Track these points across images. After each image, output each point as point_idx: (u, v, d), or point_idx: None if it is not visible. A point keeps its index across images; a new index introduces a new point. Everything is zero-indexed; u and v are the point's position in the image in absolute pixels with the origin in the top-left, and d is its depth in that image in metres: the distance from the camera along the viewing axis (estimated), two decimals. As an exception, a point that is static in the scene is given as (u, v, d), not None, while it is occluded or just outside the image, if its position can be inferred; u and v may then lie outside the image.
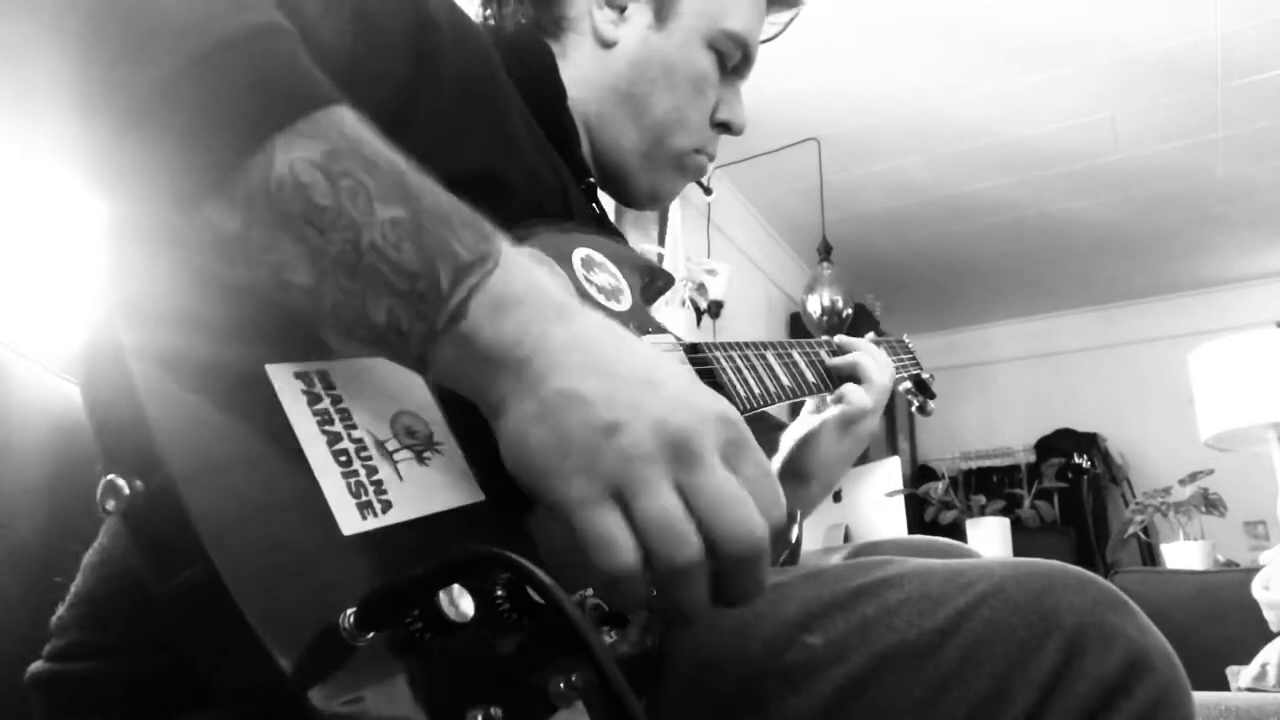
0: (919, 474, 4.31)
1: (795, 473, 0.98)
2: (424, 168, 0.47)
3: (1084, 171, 3.43)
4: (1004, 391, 5.02)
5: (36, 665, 0.54)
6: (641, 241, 2.96)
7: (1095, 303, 4.80)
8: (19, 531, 0.69)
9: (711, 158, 0.87)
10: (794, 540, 0.96)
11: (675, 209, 2.92)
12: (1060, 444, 4.49)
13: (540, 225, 0.73)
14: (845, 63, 2.80)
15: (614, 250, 0.81)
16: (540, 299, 0.44)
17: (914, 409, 1.30)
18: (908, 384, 1.26)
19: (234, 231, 0.40)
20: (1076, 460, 4.25)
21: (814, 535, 2.94)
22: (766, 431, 1.02)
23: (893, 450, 4.02)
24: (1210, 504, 2.70)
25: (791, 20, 0.91)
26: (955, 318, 4.99)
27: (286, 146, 0.40)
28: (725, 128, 0.86)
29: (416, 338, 0.42)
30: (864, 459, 3.48)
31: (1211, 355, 2.59)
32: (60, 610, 0.55)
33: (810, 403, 1.02)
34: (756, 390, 0.85)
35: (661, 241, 2.94)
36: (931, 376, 1.31)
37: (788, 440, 1.01)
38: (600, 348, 0.44)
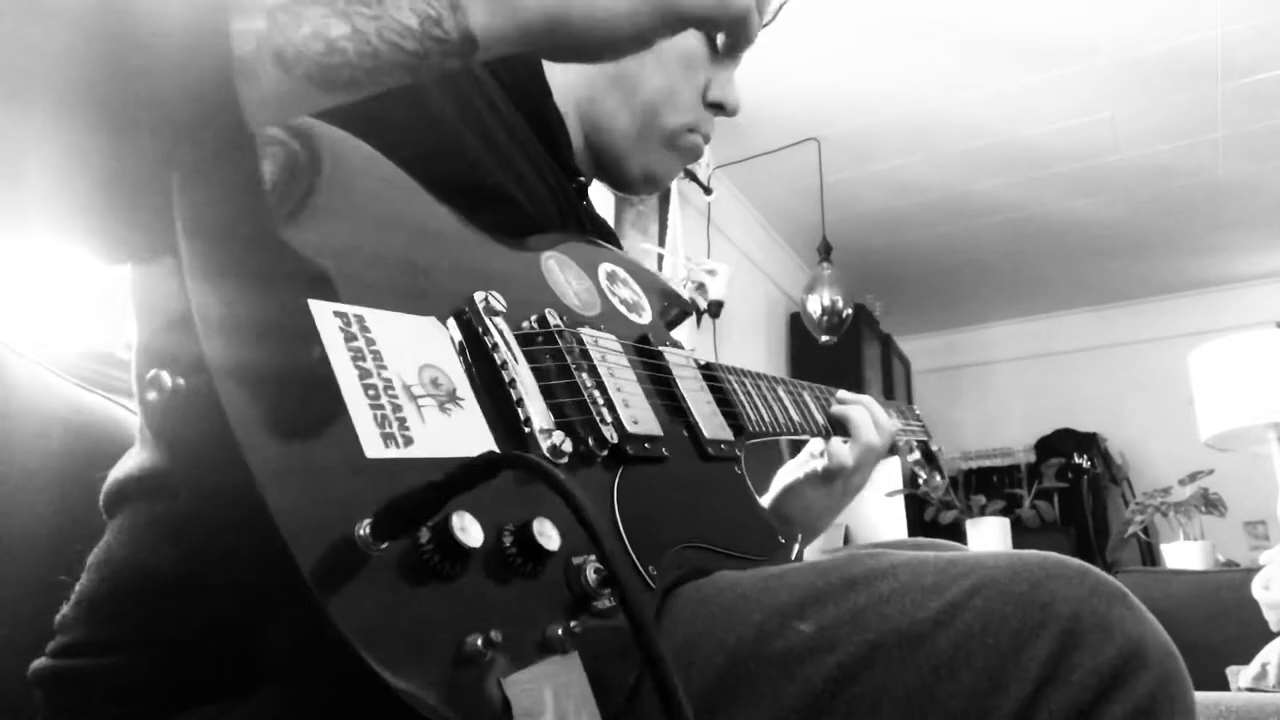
0: (919, 474, 4.31)
1: (780, 518, 0.98)
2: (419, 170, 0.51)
3: (1084, 171, 3.43)
4: (1004, 391, 5.02)
5: (39, 662, 0.55)
6: (641, 242, 2.96)
7: (1095, 303, 4.81)
8: (21, 530, 0.69)
9: (707, 138, 0.87)
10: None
11: (675, 209, 2.92)
12: (1060, 444, 4.49)
13: (568, 237, 0.76)
14: (845, 63, 2.80)
15: (636, 270, 0.84)
16: None
17: (921, 483, 1.27)
18: (916, 454, 1.24)
19: (262, 28, 0.43)
20: (1076, 460, 4.26)
21: (814, 535, 2.93)
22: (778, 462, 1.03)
23: (892, 451, 4.02)
24: (1210, 504, 2.71)
25: (783, 5, 0.91)
26: (955, 318, 4.99)
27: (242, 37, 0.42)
28: (719, 108, 0.86)
29: (448, 17, 0.46)
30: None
31: (1211, 355, 2.59)
32: (64, 609, 0.56)
33: (814, 445, 1.02)
34: (766, 417, 0.87)
35: (662, 242, 2.94)
36: (940, 449, 1.28)
37: (777, 484, 1.01)
38: None
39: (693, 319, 2.90)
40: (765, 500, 1.00)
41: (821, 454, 0.97)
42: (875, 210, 3.72)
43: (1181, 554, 2.70)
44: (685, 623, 0.56)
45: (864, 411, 1.00)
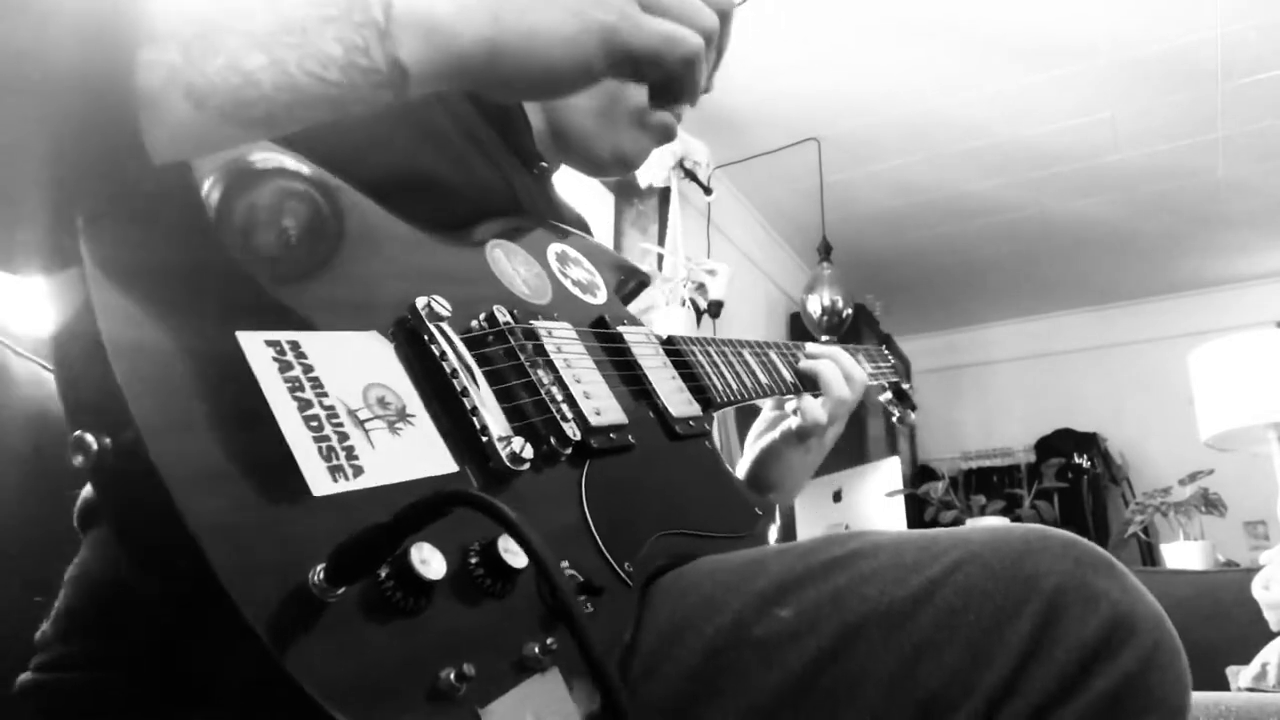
0: (919, 474, 4.31)
1: (759, 484, 0.96)
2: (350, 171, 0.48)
3: (1084, 171, 3.43)
4: (1004, 391, 5.02)
5: (24, 677, 0.54)
6: (641, 241, 2.96)
7: (1095, 303, 4.80)
8: (13, 541, 0.69)
9: (679, 115, 0.83)
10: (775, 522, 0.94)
11: (675, 209, 2.92)
12: (1060, 444, 4.48)
13: (513, 221, 0.72)
14: (845, 63, 2.80)
15: (588, 247, 0.81)
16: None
17: (894, 420, 1.25)
18: (888, 394, 1.23)
19: (182, 44, 0.40)
20: (1076, 460, 4.25)
21: (814, 535, 2.93)
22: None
23: (893, 450, 4.02)
24: (1210, 504, 2.70)
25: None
26: (955, 318, 4.99)
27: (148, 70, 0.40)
28: None
29: (375, 46, 0.43)
30: (863, 459, 3.49)
31: (1211, 355, 2.59)
32: (44, 625, 0.55)
33: (769, 404, 0.99)
34: (734, 385, 0.84)
35: (661, 241, 2.93)
36: (911, 386, 1.26)
37: (751, 450, 0.98)
38: None
39: (693, 318, 2.90)
40: (743, 466, 0.98)
41: (794, 412, 0.94)
42: (875, 210, 3.72)
43: (1181, 554, 2.69)
44: (665, 614, 0.55)
45: (833, 365, 0.97)
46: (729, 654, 0.52)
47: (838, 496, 2.97)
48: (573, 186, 2.92)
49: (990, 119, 3.10)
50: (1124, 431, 4.60)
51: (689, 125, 2.90)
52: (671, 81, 0.54)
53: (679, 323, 2.79)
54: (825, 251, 3.30)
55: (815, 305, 3.26)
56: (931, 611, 0.50)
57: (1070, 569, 0.49)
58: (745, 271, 3.65)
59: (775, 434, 0.96)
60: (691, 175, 2.96)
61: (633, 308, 0.84)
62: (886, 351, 1.24)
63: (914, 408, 1.25)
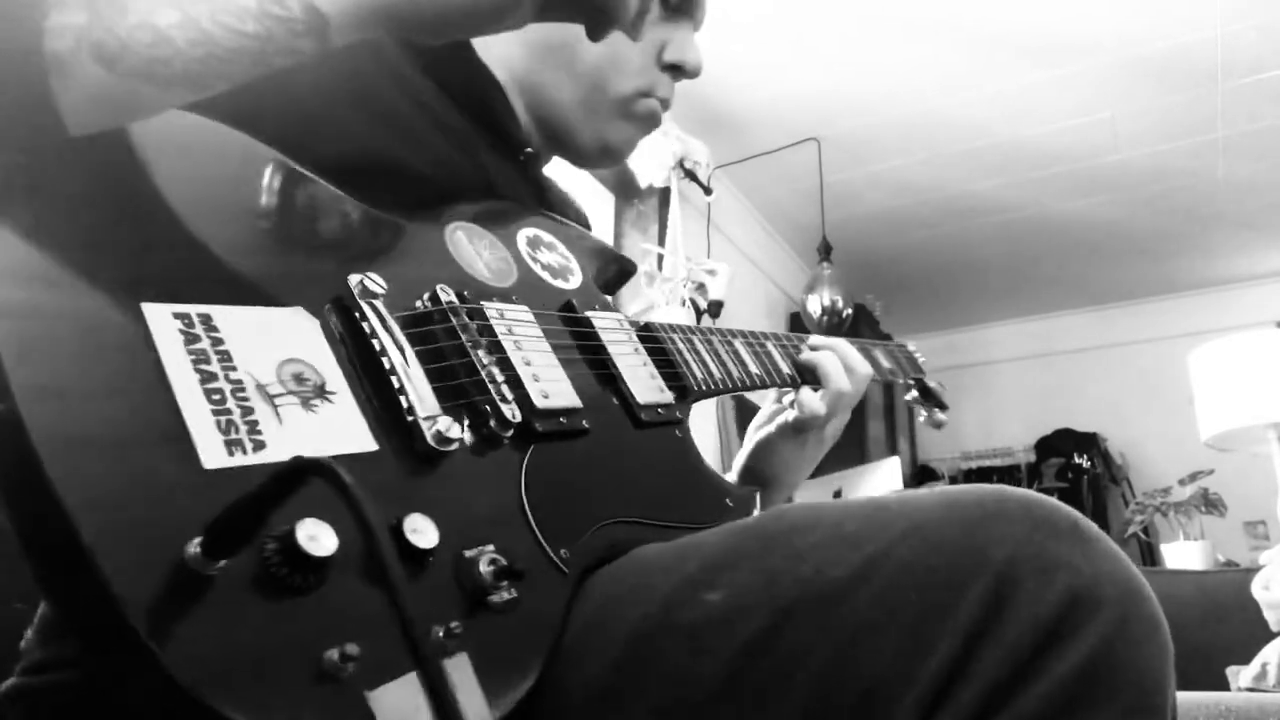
0: (919, 474, 4.31)
1: (755, 478, 0.94)
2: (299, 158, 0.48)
3: (1084, 171, 3.43)
4: (1004, 391, 5.02)
5: (9, 682, 0.55)
6: (641, 241, 2.96)
7: (1095, 303, 4.80)
8: (13, 542, 0.69)
9: (666, 103, 0.81)
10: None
11: (675, 209, 2.92)
12: (1060, 444, 4.49)
13: (483, 205, 0.71)
14: (845, 63, 2.80)
15: (566, 233, 0.79)
16: None
17: (922, 421, 1.21)
18: (913, 392, 1.20)
19: (83, 23, 0.39)
20: (1076, 460, 4.25)
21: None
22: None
23: (893, 450, 4.02)
24: (1210, 504, 2.71)
25: None
26: (955, 318, 4.99)
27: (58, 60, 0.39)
28: (677, 70, 0.80)
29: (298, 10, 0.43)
30: (864, 459, 3.49)
31: (1211, 355, 2.59)
32: (28, 634, 0.56)
33: (770, 396, 0.96)
34: (717, 374, 0.82)
35: (661, 241, 2.93)
36: (941, 385, 1.20)
37: (748, 442, 0.96)
38: None
39: (693, 318, 2.90)
40: (739, 459, 0.96)
41: (791, 404, 0.91)
42: (875, 210, 3.72)
43: (1181, 554, 2.69)
44: (594, 601, 0.52)
45: (833, 356, 0.92)
46: (654, 642, 0.48)
47: (837, 496, 2.97)
48: (573, 186, 2.92)
49: (990, 119, 3.10)
50: (1124, 431, 4.60)
51: (689, 125, 2.90)
52: (603, 8, 0.53)
53: (690, 324, 2.77)
54: (825, 251, 3.30)
55: (815, 305, 3.26)
56: (871, 590, 0.45)
57: (1025, 536, 0.44)
58: (745, 271, 3.65)
59: (772, 427, 0.94)
60: (691, 175, 2.96)
61: (632, 309, 0.83)
62: (911, 349, 1.18)
63: (944, 406, 1.19)
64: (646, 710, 0.47)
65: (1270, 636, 1.71)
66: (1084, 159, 3.34)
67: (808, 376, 0.93)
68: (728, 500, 0.72)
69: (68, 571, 0.36)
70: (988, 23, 2.63)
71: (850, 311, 3.30)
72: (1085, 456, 4.30)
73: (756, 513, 0.72)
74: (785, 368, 0.92)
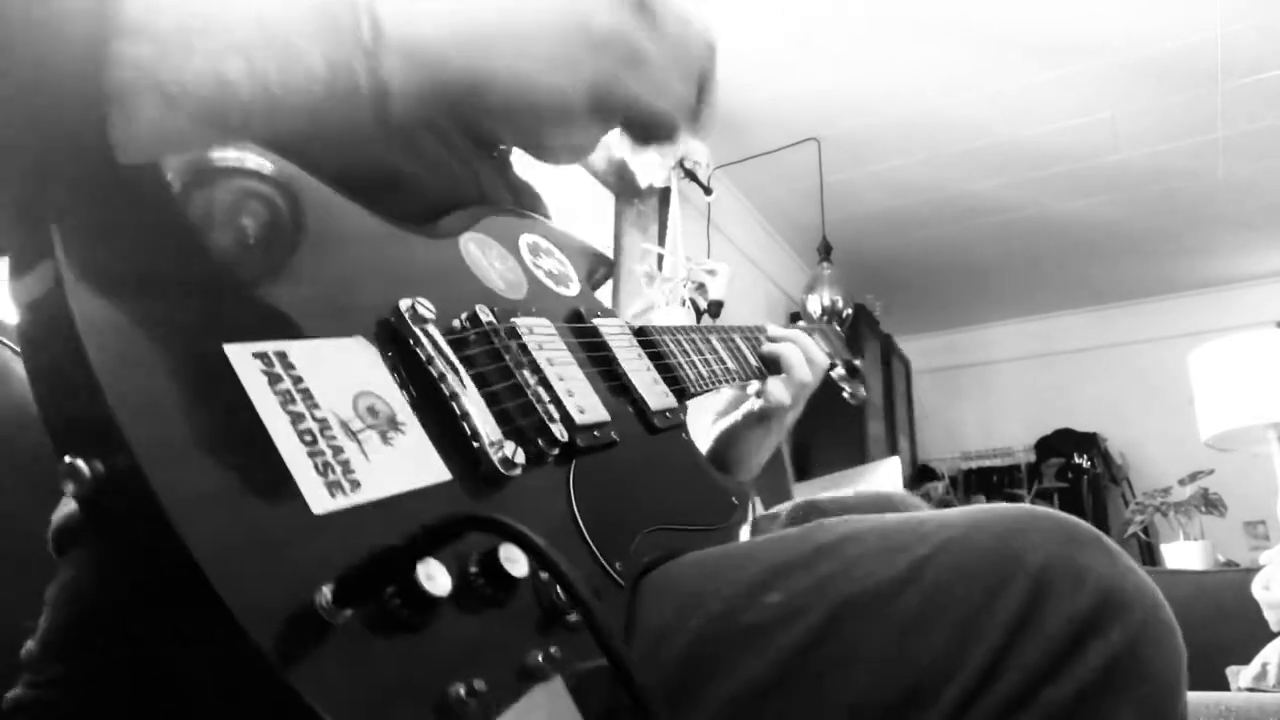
0: (919, 474, 4.31)
1: (720, 464, 0.97)
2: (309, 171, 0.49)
3: (1084, 171, 3.43)
4: (1004, 391, 5.02)
5: (14, 693, 0.54)
6: (641, 241, 2.96)
7: (1095, 303, 4.80)
8: (14, 545, 0.69)
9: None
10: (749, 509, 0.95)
11: (675, 209, 2.92)
12: (1060, 444, 4.49)
13: (481, 212, 0.71)
14: (845, 63, 2.80)
15: (557, 236, 0.79)
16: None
17: (845, 395, 1.26)
18: (840, 370, 1.24)
19: (154, 52, 0.39)
20: (1076, 460, 4.26)
21: (814, 535, 2.93)
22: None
23: (893, 450, 4.02)
24: (1210, 504, 2.71)
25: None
26: (955, 318, 4.99)
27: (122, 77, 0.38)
28: None
29: (361, 66, 0.42)
30: (864, 459, 3.49)
31: (1211, 355, 2.59)
32: (30, 644, 0.55)
33: (728, 390, 0.99)
34: (705, 374, 0.84)
35: (661, 241, 2.93)
36: (861, 362, 1.29)
37: (712, 430, 0.99)
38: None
39: (693, 318, 2.90)
40: (703, 447, 0.98)
41: (757, 394, 0.96)
42: (875, 210, 3.72)
43: (1181, 554, 2.69)
44: (656, 608, 0.56)
45: (796, 349, 0.98)
46: (720, 641, 0.52)
47: (838, 496, 2.96)
48: (572, 186, 2.92)
49: (990, 119, 3.10)
50: (1124, 431, 4.60)
51: (689, 125, 2.90)
52: (654, 131, 0.53)
53: (679, 323, 2.78)
54: (825, 251, 3.30)
55: (815, 305, 3.26)
56: (919, 590, 0.50)
57: (1057, 546, 0.49)
58: (745, 271, 3.65)
59: (737, 415, 0.97)
60: (691, 175, 2.96)
61: (632, 309, 0.83)
62: (839, 330, 1.26)
63: (866, 385, 1.26)
64: (717, 700, 0.51)
65: (1270, 636, 1.71)
66: (1084, 159, 3.34)
67: (771, 368, 0.97)
68: (733, 498, 0.74)
69: (201, 625, 0.37)
70: (988, 23, 2.63)
71: (850, 311, 3.30)
72: (1085, 456, 4.30)
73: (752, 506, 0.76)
74: (753, 360, 0.96)
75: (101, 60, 0.37)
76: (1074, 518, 0.53)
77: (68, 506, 0.56)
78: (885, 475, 2.96)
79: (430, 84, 0.45)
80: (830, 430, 3.46)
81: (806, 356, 0.98)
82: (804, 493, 3.02)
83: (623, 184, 3.03)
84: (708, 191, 3.10)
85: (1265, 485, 2.49)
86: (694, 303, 2.88)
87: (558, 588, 0.48)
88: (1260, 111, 3.05)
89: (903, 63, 2.80)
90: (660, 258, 2.83)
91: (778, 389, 0.94)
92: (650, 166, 2.68)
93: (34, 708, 0.53)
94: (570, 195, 2.90)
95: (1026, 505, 0.53)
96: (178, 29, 0.38)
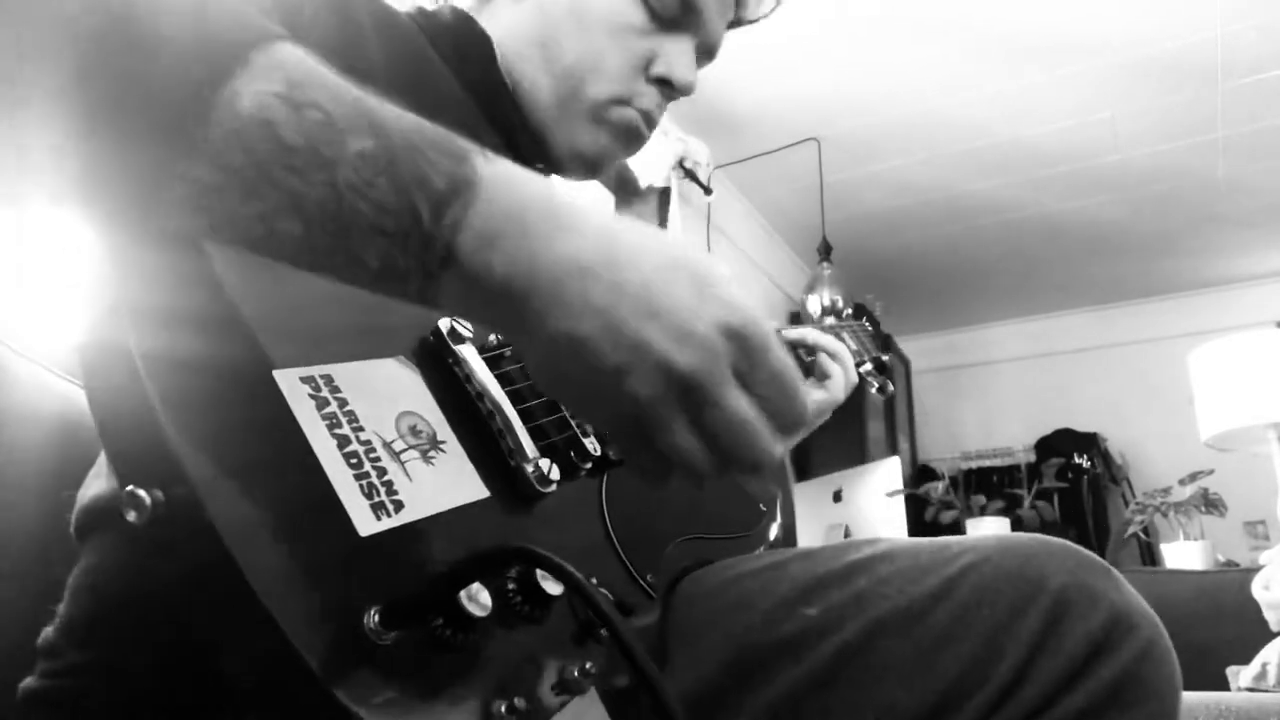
0: (919, 474, 4.31)
1: None
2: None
3: (1084, 171, 3.43)
4: (1004, 391, 5.01)
5: (29, 682, 0.54)
6: (641, 241, 2.96)
7: (1095, 303, 4.80)
8: (16, 539, 0.69)
9: (648, 116, 0.78)
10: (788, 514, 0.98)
11: (675, 209, 2.92)
12: (1060, 444, 4.48)
13: None
14: (845, 63, 2.80)
15: None
16: (528, 220, 0.40)
17: (874, 390, 1.28)
18: (867, 365, 1.24)
19: (214, 184, 0.37)
20: (1076, 460, 4.25)
21: (814, 535, 2.94)
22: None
23: (893, 450, 4.02)
24: (1210, 504, 2.70)
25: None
26: (955, 318, 4.99)
27: (248, 80, 0.37)
28: (665, 84, 0.77)
29: (415, 280, 0.40)
30: (864, 459, 3.49)
31: (1211, 355, 2.59)
32: (49, 632, 0.55)
33: None
34: None
35: (661, 241, 2.93)
36: (890, 359, 1.33)
37: None
38: (596, 276, 0.40)
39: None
40: None
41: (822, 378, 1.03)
42: (875, 210, 3.72)
43: (1181, 554, 2.69)
44: (691, 618, 0.58)
45: (839, 368, 1.04)
46: (760, 650, 0.56)
47: (838, 496, 2.97)
48: (572, 186, 2.92)
49: (990, 119, 3.10)
50: (1124, 431, 4.60)
51: (689, 125, 2.90)
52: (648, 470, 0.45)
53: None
54: (825, 251, 3.30)
55: (815, 305, 3.26)
56: (949, 607, 0.54)
57: (1072, 571, 0.54)
58: (745, 271, 3.65)
59: None
60: (691, 175, 2.96)
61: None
62: (869, 327, 1.29)
63: (893, 379, 1.33)
64: (756, 707, 0.54)
65: (1270, 636, 1.71)
66: (1084, 159, 3.34)
67: (809, 374, 1.03)
68: (761, 505, 0.76)
69: (257, 646, 0.38)
70: (988, 23, 2.63)
71: (850, 311, 3.30)
72: (1085, 456, 4.30)
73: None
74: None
75: (228, 79, 0.36)
76: (1083, 548, 0.58)
77: (91, 490, 0.56)
78: (885, 475, 2.96)
79: (487, 313, 0.42)
80: (830, 430, 3.45)
81: (845, 369, 1.04)
82: (805, 492, 3.03)
83: (622, 184, 3.03)
84: (708, 191, 3.10)
85: (1265, 485, 2.49)
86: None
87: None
88: (1260, 111, 3.04)
89: (903, 63, 2.80)
90: (660, 258, 2.83)
91: (827, 401, 1.01)
92: (650, 166, 2.68)
93: (51, 697, 0.53)
94: (569, 195, 2.89)
95: (1041, 535, 0.58)
96: (246, 165, 0.37)
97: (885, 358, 1.28)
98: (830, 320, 1.14)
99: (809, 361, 1.02)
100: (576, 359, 0.40)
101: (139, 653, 0.50)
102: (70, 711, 0.52)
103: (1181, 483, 2.78)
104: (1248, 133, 3.17)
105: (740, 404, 0.41)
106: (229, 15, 0.38)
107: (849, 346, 1.10)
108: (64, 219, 0.39)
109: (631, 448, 0.43)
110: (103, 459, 0.57)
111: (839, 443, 3.53)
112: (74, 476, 0.59)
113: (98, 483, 0.56)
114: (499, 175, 0.41)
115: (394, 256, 0.39)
